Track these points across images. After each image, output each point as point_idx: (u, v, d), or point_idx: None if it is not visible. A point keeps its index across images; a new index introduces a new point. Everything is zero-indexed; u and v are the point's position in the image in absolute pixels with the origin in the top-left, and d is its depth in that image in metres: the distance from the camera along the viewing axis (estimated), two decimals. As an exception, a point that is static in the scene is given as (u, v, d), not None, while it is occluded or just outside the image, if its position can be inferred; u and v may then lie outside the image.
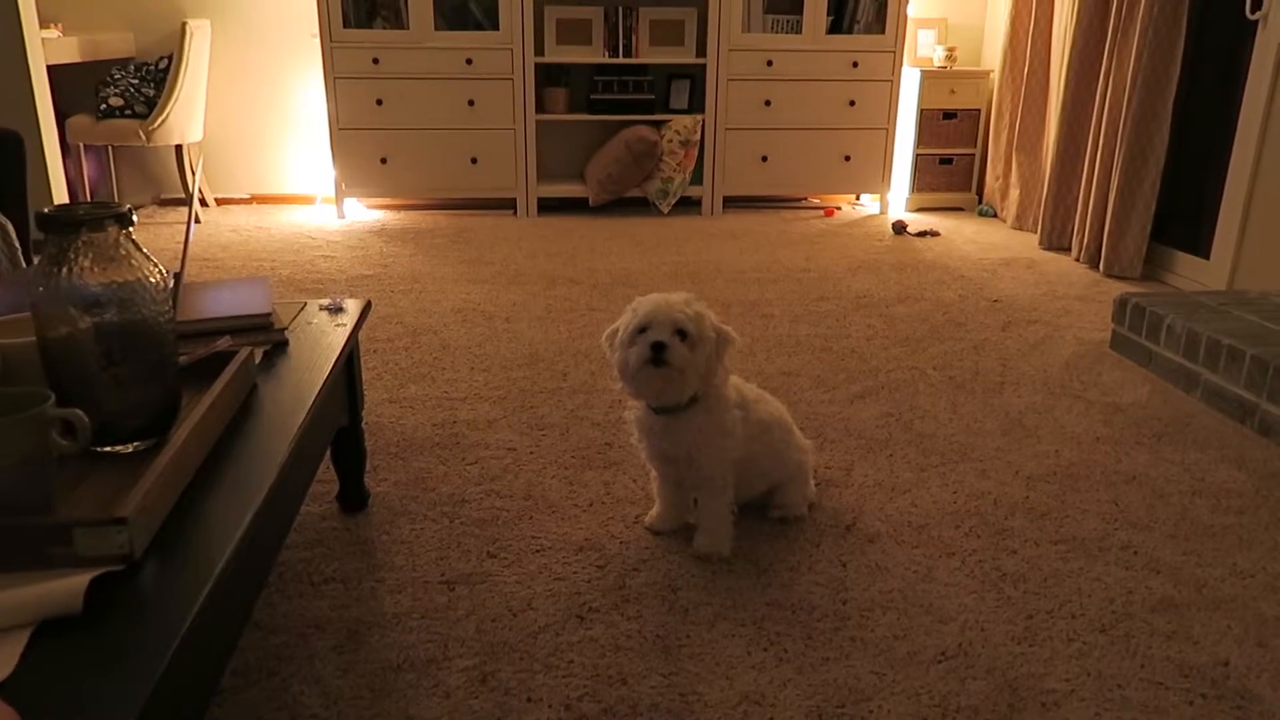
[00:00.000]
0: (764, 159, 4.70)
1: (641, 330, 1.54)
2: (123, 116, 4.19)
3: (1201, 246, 3.45)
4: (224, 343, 1.49)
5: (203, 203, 4.67)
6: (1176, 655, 1.44)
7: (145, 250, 1.18)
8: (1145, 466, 2.07)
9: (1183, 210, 3.60)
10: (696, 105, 4.69)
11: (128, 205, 1.16)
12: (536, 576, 1.61)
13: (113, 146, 4.58)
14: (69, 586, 0.89)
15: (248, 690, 1.32)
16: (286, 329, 1.66)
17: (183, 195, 4.63)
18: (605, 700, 1.32)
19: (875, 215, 4.82)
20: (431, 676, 1.36)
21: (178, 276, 1.63)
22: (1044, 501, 1.90)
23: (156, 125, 4.14)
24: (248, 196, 4.85)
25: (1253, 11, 3.12)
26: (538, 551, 1.69)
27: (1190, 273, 3.52)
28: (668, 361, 1.52)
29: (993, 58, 4.83)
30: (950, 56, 4.75)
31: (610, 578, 1.61)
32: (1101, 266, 3.72)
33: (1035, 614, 1.53)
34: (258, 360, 1.52)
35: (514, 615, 1.50)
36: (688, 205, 4.79)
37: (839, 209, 4.95)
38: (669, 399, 1.60)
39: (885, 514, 1.85)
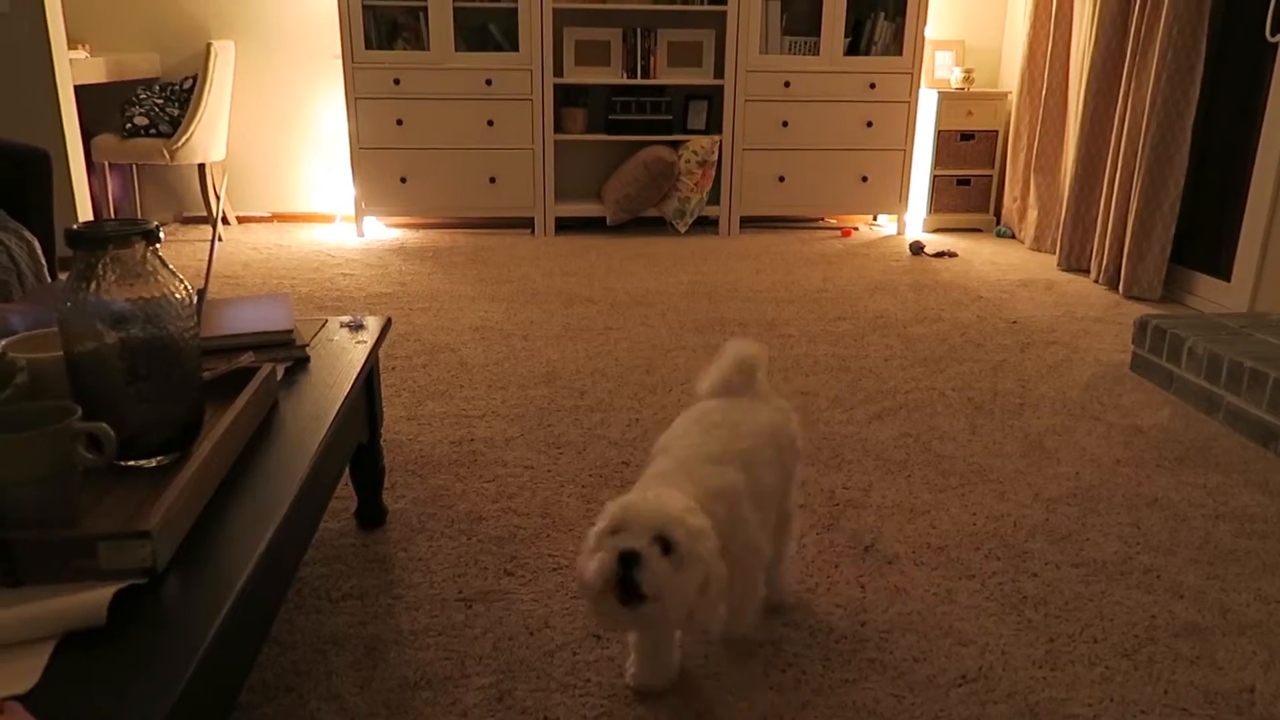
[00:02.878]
0: (781, 179, 4.71)
1: (614, 533, 1.15)
2: (147, 135, 4.25)
3: (1222, 268, 3.43)
4: (246, 359, 1.50)
5: (225, 221, 4.72)
6: (1201, 681, 1.42)
7: (171, 266, 1.20)
8: (1167, 489, 2.05)
9: (1203, 232, 3.58)
10: (714, 126, 4.71)
11: (154, 222, 1.17)
12: (554, 595, 1.61)
13: (137, 165, 4.64)
14: (93, 599, 0.90)
15: (265, 706, 1.32)
16: (308, 346, 1.67)
17: (205, 214, 4.68)
18: (622, 720, 1.31)
19: (892, 236, 4.82)
20: (448, 694, 1.35)
21: (201, 293, 1.65)
22: (1064, 524, 1.89)
23: (180, 144, 4.19)
24: (269, 215, 4.90)
25: (1273, 34, 3.11)
26: (555, 570, 1.69)
27: (1211, 295, 3.49)
28: (639, 589, 1.10)
29: (1010, 79, 4.83)
30: (968, 78, 4.76)
31: (627, 597, 1.61)
32: (1121, 288, 3.70)
33: (1057, 638, 1.52)
34: (279, 376, 1.53)
35: (531, 634, 1.50)
36: (705, 225, 4.81)
37: (856, 229, 4.95)
38: (649, 635, 1.29)
39: (904, 535, 1.83)
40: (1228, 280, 3.38)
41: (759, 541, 1.33)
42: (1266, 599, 1.64)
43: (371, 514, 1.83)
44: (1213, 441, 2.32)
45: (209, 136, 4.32)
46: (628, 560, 1.10)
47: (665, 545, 1.12)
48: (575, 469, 2.09)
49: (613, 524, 1.15)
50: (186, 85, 4.37)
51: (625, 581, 1.10)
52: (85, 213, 3.84)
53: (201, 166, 4.40)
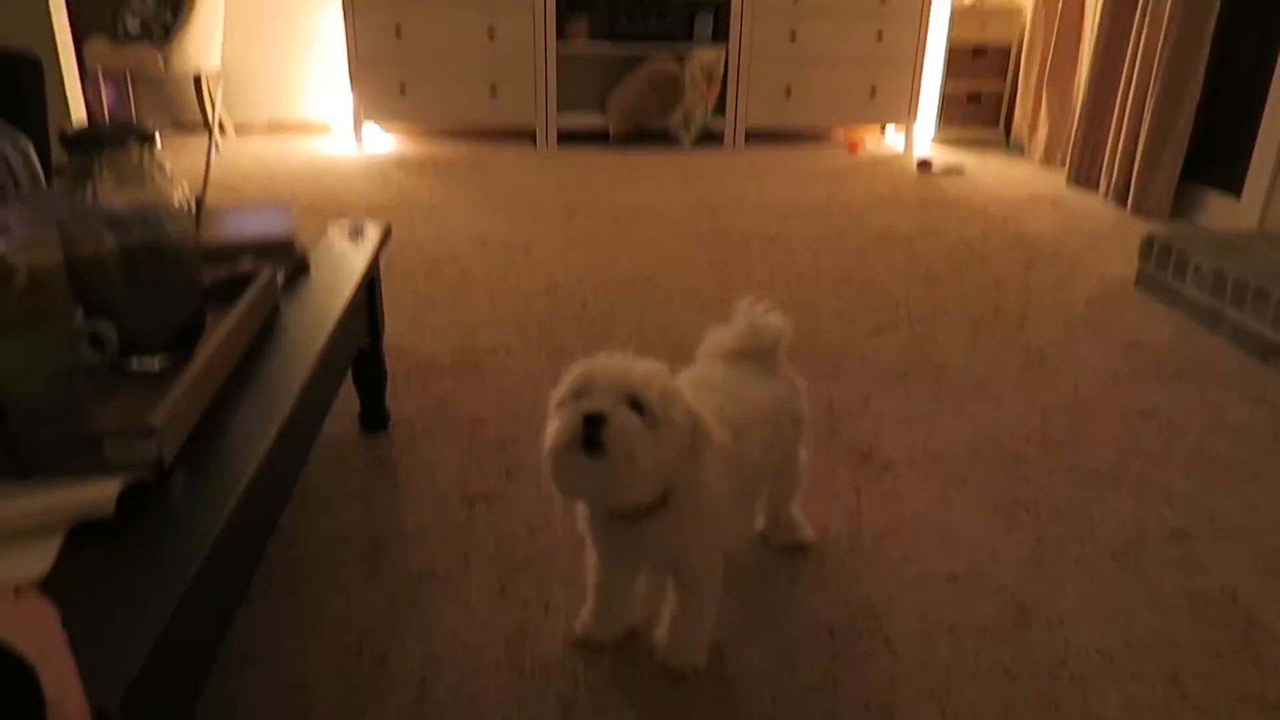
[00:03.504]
0: (788, 92, 4.63)
1: (578, 396, 1.05)
2: (140, 41, 4.17)
3: (1234, 185, 3.38)
4: (247, 264, 1.50)
5: (221, 129, 4.66)
6: (1186, 582, 1.45)
7: (169, 170, 1.19)
8: (1164, 402, 2.07)
9: (1216, 148, 3.53)
10: (721, 36, 4.60)
11: (150, 125, 1.16)
12: (554, 497, 1.63)
13: (131, 74, 4.56)
14: (101, 491, 0.92)
15: (274, 599, 1.36)
16: (308, 253, 1.67)
17: (200, 121, 4.62)
18: (620, 615, 1.35)
19: (900, 151, 4.75)
20: (452, 588, 1.39)
21: (200, 200, 1.64)
22: (1060, 433, 1.91)
23: (174, 51, 4.11)
24: (266, 123, 4.84)
25: (1298, -61, 3.01)
26: (556, 474, 1.71)
27: (1220, 212, 3.46)
28: (604, 446, 1.00)
29: (1025, -11, 4.70)
30: (981, -13, 4.63)
31: (627, 500, 1.64)
32: (1129, 204, 3.66)
33: (1046, 540, 1.55)
34: (281, 282, 1.53)
35: (532, 533, 1.54)
36: (710, 138, 4.74)
37: (863, 143, 4.88)
38: (611, 503, 1.11)
39: (901, 443, 1.86)
40: (1238, 197, 3.34)
41: (720, 510, 1.17)
42: (1254, 506, 1.67)
43: (374, 418, 1.86)
44: (1213, 357, 2.32)
45: (203, 43, 4.23)
46: (594, 422, 1.00)
47: (636, 406, 1.02)
48: (576, 378, 2.10)
49: (577, 386, 1.05)
50: (180, -10, 4.27)
51: (589, 444, 1.00)
52: (80, 120, 3.79)
53: (197, 76, 4.33)
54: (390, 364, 1.96)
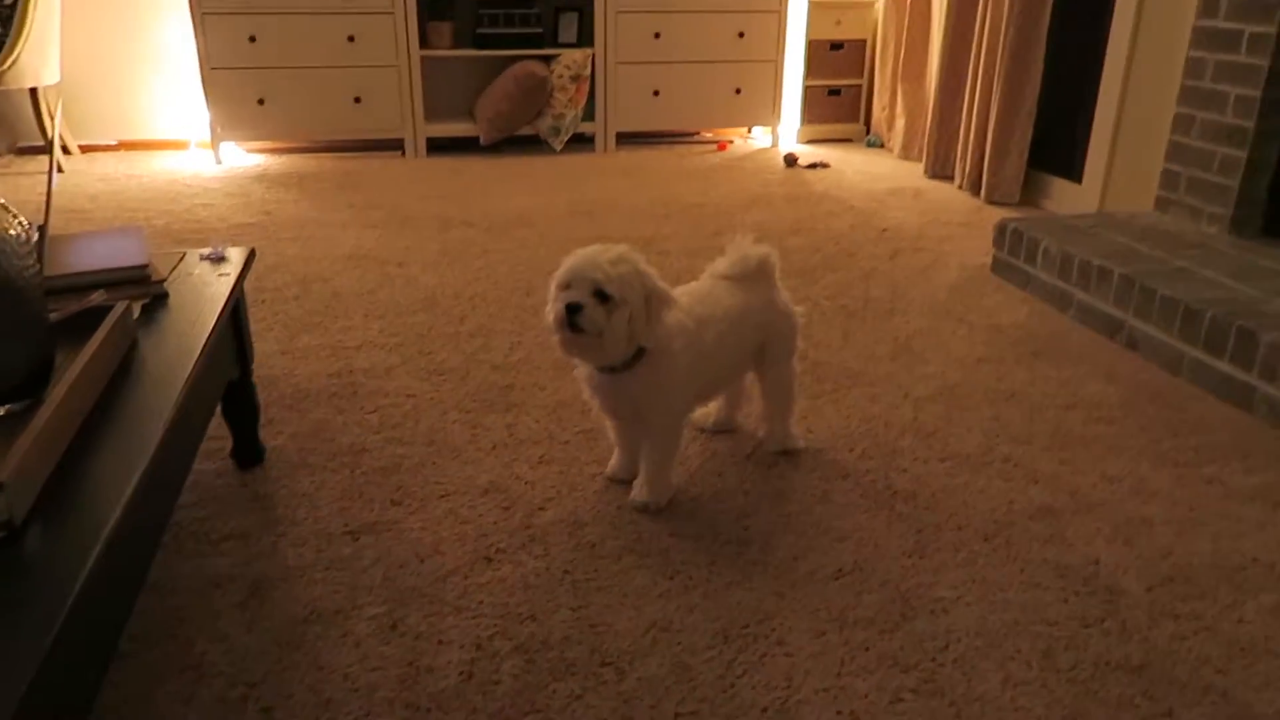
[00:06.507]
0: (656, 93, 4.67)
1: (565, 287, 1.49)
2: (-33, 58, 3.88)
3: (1075, 171, 3.60)
4: (98, 297, 1.42)
5: (64, 150, 4.39)
6: (1053, 557, 1.54)
7: (2, 200, 1.11)
8: (1024, 384, 2.18)
9: (1057, 137, 3.74)
10: (586, 38, 4.60)
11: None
12: (442, 521, 1.61)
13: (-42, 91, 4.24)
14: (-55, 559, 0.85)
15: (149, 653, 1.29)
16: (165, 281, 1.59)
17: (41, 143, 4.34)
18: (517, 637, 1.34)
19: (767, 148, 4.86)
20: (340, 626, 1.35)
21: (42, 229, 1.54)
22: (931, 421, 1.99)
23: (7, 66, 3.84)
24: (115, 143, 4.58)
25: (1120, -59, 3.21)
26: (442, 496, 1.69)
27: (1064, 197, 3.67)
28: (580, 327, 1.46)
29: (877, -12, 4.87)
30: (836, -13, 4.78)
31: (516, 518, 1.63)
32: (983, 193, 3.85)
33: (925, 528, 1.61)
34: (136, 315, 1.45)
35: (421, 561, 1.50)
36: (581, 142, 4.74)
37: (731, 143, 4.97)
38: (593, 362, 1.56)
39: (783, 441, 1.90)
40: (1079, 182, 3.55)
41: (678, 376, 1.58)
42: (1111, 479, 1.78)
43: (248, 452, 1.78)
44: (1065, 336, 2.47)
45: (39, 57, 3.97)
46: (572, 310, 1.45)
47: (601, 295, 1.46)
48: (459, 395, 2.07)
49: (561, 281, 1.49)
50: (8, 0, 3.99)
51: (572, 324, 1.46)
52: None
53: (33, 91, 4.06)
54: (262, 393, 1.89)
